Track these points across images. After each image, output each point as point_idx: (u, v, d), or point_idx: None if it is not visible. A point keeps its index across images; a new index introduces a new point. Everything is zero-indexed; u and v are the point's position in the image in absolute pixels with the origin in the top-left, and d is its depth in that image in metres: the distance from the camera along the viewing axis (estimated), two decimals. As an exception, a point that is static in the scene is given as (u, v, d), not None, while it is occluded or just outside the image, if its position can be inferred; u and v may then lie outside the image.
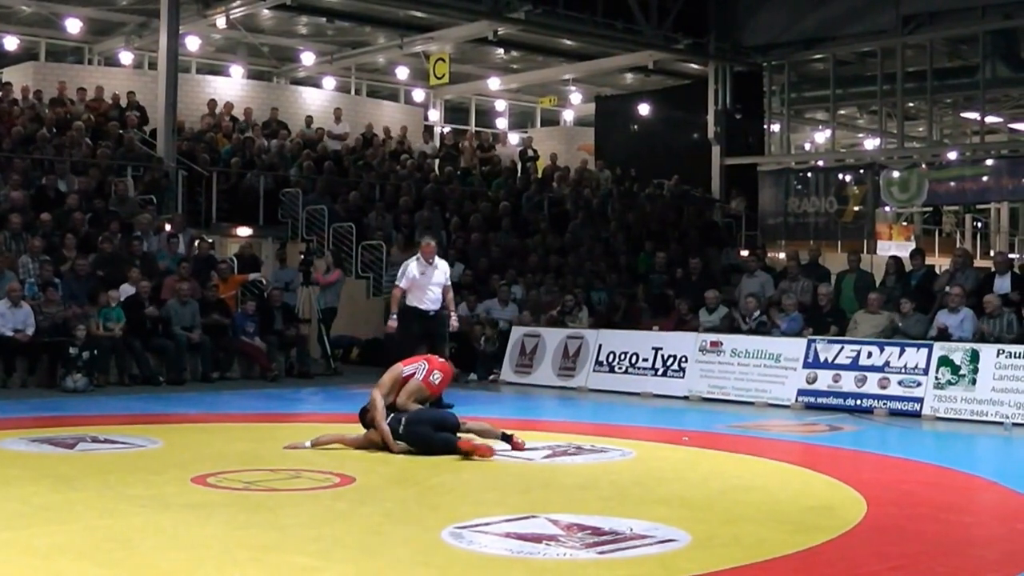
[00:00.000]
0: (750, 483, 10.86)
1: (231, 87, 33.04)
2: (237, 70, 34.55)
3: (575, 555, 7.62)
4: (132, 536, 8.08)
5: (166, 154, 25.12)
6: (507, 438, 12.09)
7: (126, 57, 32.51)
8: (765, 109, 34.03)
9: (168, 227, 22.92)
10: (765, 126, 34.35)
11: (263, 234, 26.35)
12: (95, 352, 18.74)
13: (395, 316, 16.73)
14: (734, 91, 33.74)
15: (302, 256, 23.76)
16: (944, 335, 17.55)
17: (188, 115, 29.06)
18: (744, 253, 28.86)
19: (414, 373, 12.74)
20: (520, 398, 19.93)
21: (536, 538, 7.99)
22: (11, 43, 31.57)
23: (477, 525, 8.39)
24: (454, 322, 17.24)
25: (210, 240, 24.04)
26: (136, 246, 21.60)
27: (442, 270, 17.02)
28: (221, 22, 29.45)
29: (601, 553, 7.67)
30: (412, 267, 16.77)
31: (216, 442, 12.58)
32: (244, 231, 26.16)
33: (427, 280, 16.73)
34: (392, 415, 12.23)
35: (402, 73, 36.10)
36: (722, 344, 19.30)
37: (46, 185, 23.00)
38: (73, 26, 30.58)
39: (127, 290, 20.27)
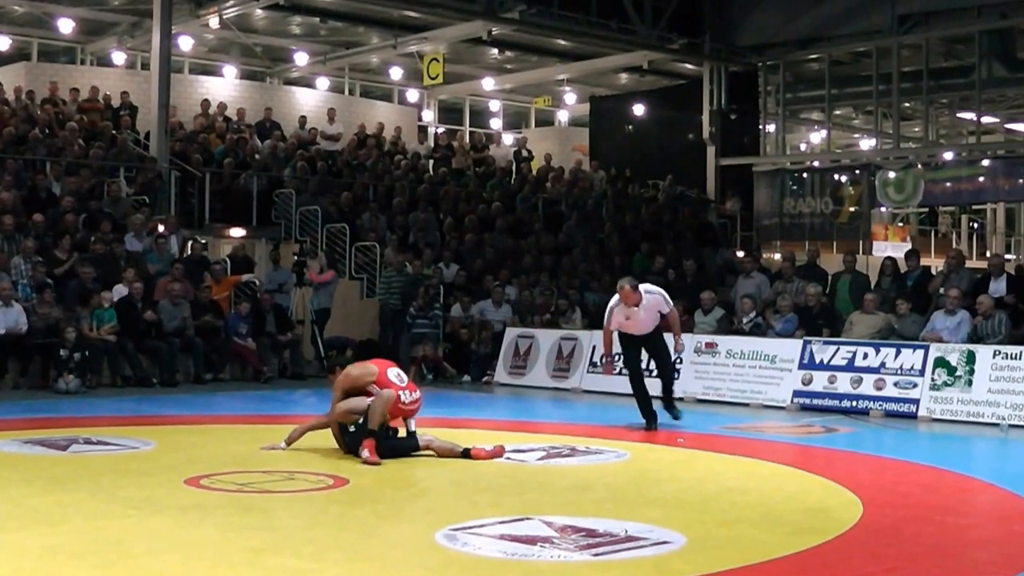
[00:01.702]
0: (745, 485, 10.82)
1: (224, 87, 33.01)
2: (230, 70, 34.48)
3: (569, 557, 7.58)
4: (125, 538, 8.03)
5: (159, 155, 25.05)
6: (467, 453, 11.87)
7: (119, 57, 32.45)
8: (760, 109, 34.02)
9: (161, 228, 22.84)
10: (760, 126, 34.36)
11: (256, 235, 26.27)
12: (86, 354, 18.68)
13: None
14: (729, 91, 33.73)
15: (295, 257, 23.69)
16: (936, 338, 17.53)
17: (181, 115, 28.96)
18: (740, 254, 28.83)
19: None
20: (514, 399, 19.92)
21: (531, 540, 7.96)
22: (3, 43, 31.43)
23: (471, 527, 8.36)
24: None
25: (203, 241, 23.98)
26: (120, 248, 21.49)
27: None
28: (214, 22, 29.40)
29: (596, 555, 7.64)
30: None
31: (209, 444, 12.54)
32: (237, 232, 26.08)
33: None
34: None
35: (396, 73, 36.06)
36: (717, 345, 19.27)
37: (38, 186, 22.92)
38: (65, 26, 30.52)
39: (120, 291, 20.21)
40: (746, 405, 18.29)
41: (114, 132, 26.44)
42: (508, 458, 11.90)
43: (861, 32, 31.28)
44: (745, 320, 20.20)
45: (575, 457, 12.31)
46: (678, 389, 18.72)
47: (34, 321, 19.04)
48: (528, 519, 8.66)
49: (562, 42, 32.84)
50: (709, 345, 19.33)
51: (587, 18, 30.10)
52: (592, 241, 28.66)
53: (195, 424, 12.84)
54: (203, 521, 8.63)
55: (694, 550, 7.91)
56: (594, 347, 20.49)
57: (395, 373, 12.13)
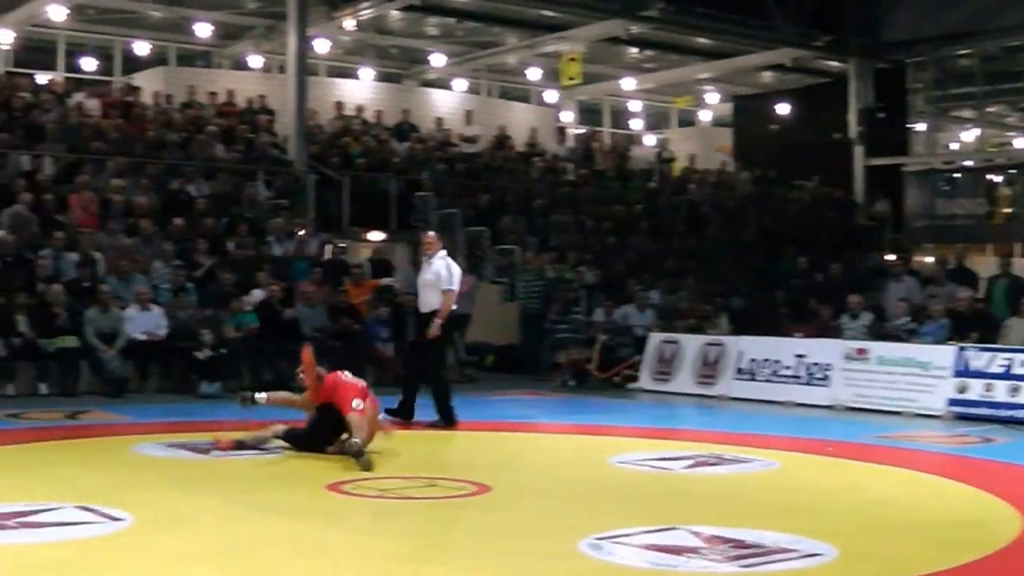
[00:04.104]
0: (897, 496, 10.54)
1: (360, 90, 33.05)
2: (366, 72, 34.55)
3: (717, 568, 7.42)
4: (262, 543, 8.08)
5: (297, 158, 25.19)
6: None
7: (255, 61, 32.65)
8: (909, 107, 33.32)
9: (300, 231, 22.90)
10: (909, 125, 33.65)
11: (395, 238, 26.25)
12: (223, 356, 18.75)
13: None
14: (876, 89, 33.10)
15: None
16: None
17: (318, 118, 29.07)
18: (889, 257, 28.24)
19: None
20: (659, 406, 19.64)
21: (677, 550, 7.78)
22: (142, 48, 31.85)
23: (616, 536, 8.18)
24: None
25: (342, 244, 23.99)
26: (268, 250, 21.63)
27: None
28: (349, 24, 29.49)
29: (744, 567, 7.46)
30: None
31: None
32: (376, 235, 26.08)
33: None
34: None
35: (533, 74, 35.88)
36: (868, 351, 18.75)
37: (177, 189, 23.12)
38: (202, 30, 30.79)
39: (258, 294, 20.28)
40: (898, 413, 17.77)
41: (251, 135, 26.62)
42: (653, 466, 11.75)
43: (1014, 26, 30.39)
44: (898, 324, 19.69)
45: (722, 466, 12.10)
46: (827, 396, 18.38)
47: (173, 325, 19.16)
48: (674, 529, 8.47)
49: (703, 40, 32.52)
50: (860, 351, 18.81)
51: (727, 15, 29.69)
52: (736, 244, 28.28)
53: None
54: (342, 527, 8.63)
55: (845, 562, 7.71)
56: (741, 353, 20.13)
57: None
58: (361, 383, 12.20)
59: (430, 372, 15.31)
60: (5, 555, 7.62)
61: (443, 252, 15.38)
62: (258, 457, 11.99)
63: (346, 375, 12.21)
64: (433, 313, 15.02)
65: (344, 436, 11.81)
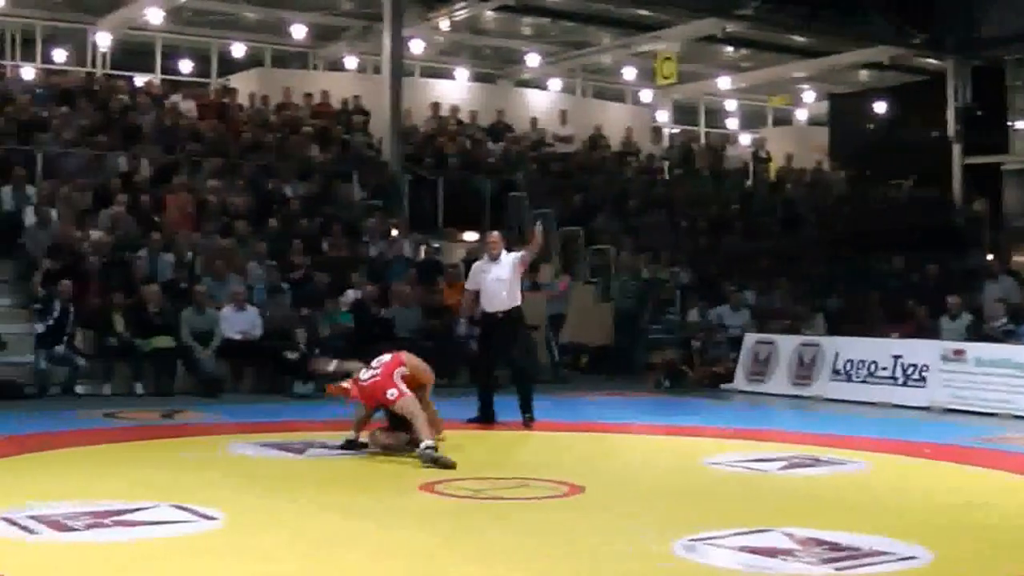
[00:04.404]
0: (995, 499, 10.39)
1: (455, 90, 33.13)
2: (461, 73, 34.65)
3: (812, 571, 7.35)
4: (357, 542, 8.11)
5: (392, 158, 25.29)
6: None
7: (350, 61, 32.82)
8: (1008, 105, 32.85)
9: (394, 232, 22.97)
10: (1008, 123, 33.17)
11: (494, 237, 26.23)
12: (318, 357, 18.80)
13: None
14: (974, 87, 32.64)
15: (528, 261, 23.57)
16: None
17: (413, 118, 29.16)
18: (987, 257, 27.85)
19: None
20: (753, 407, 19.49)
21: (771, 552, 7.71)
22: (238, 50, 32.19)
23: (710, 538, 8.12)
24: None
25: (436, 245, 24.05)
26: (363, 250, 21.72)
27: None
28: (444, 24, 29.61)
29: (839, 569, 7.37)
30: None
31: (442, 448, 12.42)
32: (470, 235, 26.10)
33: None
34: None
35: (629, 73, 35.77)
36: (966, 352, 18.48)
37: (272, 190, 23.29)
38: (298, 31, 31.00)
39: (352, 295, 20.37)
40: (995, 415, 17.51)
41: (346, 136, 26.75)
42: (747, 467, 11.69)
43: (1116, 21, 29.95)
44: (996, 325, 19.41)
45: (817, 467, 11.97)
46: (924, 397, 18.14)
47: (268, 325, 19.30)
48: (769, 531, 8.39)
49: (799, 38, 32.26)
50: (957, 352, 18.55)
51: (824, 13, 29.41)
52: (832, 244, 28.01)
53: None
54: (434, 527, 8.60)
55: (942, 566, 7.60)
56: (837, 354, 19.94)
57: (378, 359, 12.19)
58: (377, 366, 12.11)
59: (523, 369, 15.53)
60: (101, 553, 7.70)
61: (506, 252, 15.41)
62: (351, 457, 12.03)
63: (362, 374, 12.10)
64: (508, 313, 15.09)
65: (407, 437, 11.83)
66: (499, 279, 15.12)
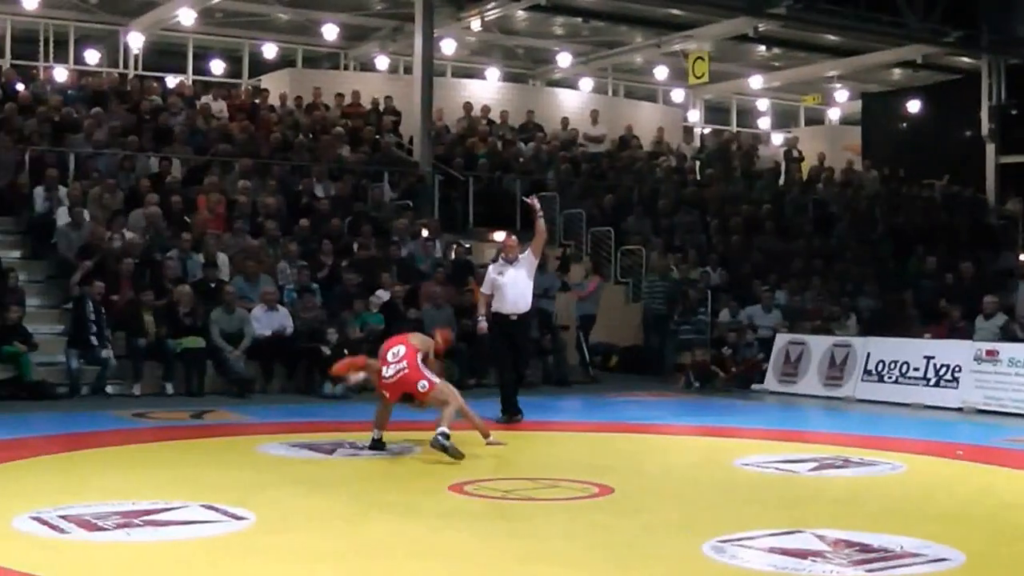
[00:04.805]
0: (1029, 501, 10.31)
1: (487, 90, 33.16)
2: (493, 73, 34.63)
3: (842, 572, 7.31)
4: (387, 543, 8.12)
5: (422, 158, 25.30)
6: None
7: (381, 62, 32.85)
8: (1043, 104, 32.67)
9: (424, 232, 22.97)
10: (1044, 122, 32.98)
11: (520, 239, 26.13)
12: (348, 356, 18.80)
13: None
14: (1008, 85, 32.43)
15: (558, 261, 23.57)
16: None
17: (444, 119, 29.18)
18: (1022, 257, 27.66)
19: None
20: (784, 407, 19.43)
21: (801, 554, 7.68)
22: (269, 51, 32.27)
23: (740, 539, 8.11)
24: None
25: (467, 245, 24.05)
26: (394, 251, 21.72)
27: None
28: (475, 25, 29.57)
29: (870, 571, 7.34)
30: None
31: (473, 450, 12.43)
32: (501, 235, 26.01)
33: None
34: None
35: (660, 73, 35.69)
36: (999, 353, 18.36)
37: (302, 191, 23.32)
38: (330, 32, 31.04)
39: (383, 295, 20.37)
40: (1028, 416, 17.46)
41: (377, 136, 26.77)
42: (778, 468, 11.64)
43: None
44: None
45: (848, 468, 11.93)
46: (956, 398, 18.04)
47: (298, 325, 19.32)
48: (799, 532, 8.37)
49: (831, 37, 32.14)
50: (990, 353, 18.43)
51: (856, 12, 29.26)
52: (864, 244, 27.89)
53: (456, 430, 12.83)
54: (465, 528, 8.64)
55: (974, 568, 7.57)
56: (868, 355, 19.85)
57: (392, 352, 12.15)
58: (396, 359, 12.11)
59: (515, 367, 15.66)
60: (131, 553, 7.73)
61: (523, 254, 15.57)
62: (380, 458, 12.04)
63: (385, 371, 12.11)
64: (522, 316, 15.33)
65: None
66: (516, 282, 15.28)
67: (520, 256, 15.40)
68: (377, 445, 12.16)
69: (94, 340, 17.87)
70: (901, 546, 7.95)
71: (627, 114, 34.15)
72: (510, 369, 15.63)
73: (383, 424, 12.26)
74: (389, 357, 12.09)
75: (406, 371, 11.94)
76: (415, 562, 7.57)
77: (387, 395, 12.13)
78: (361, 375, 12.69)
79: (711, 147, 33.17)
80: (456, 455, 11.35)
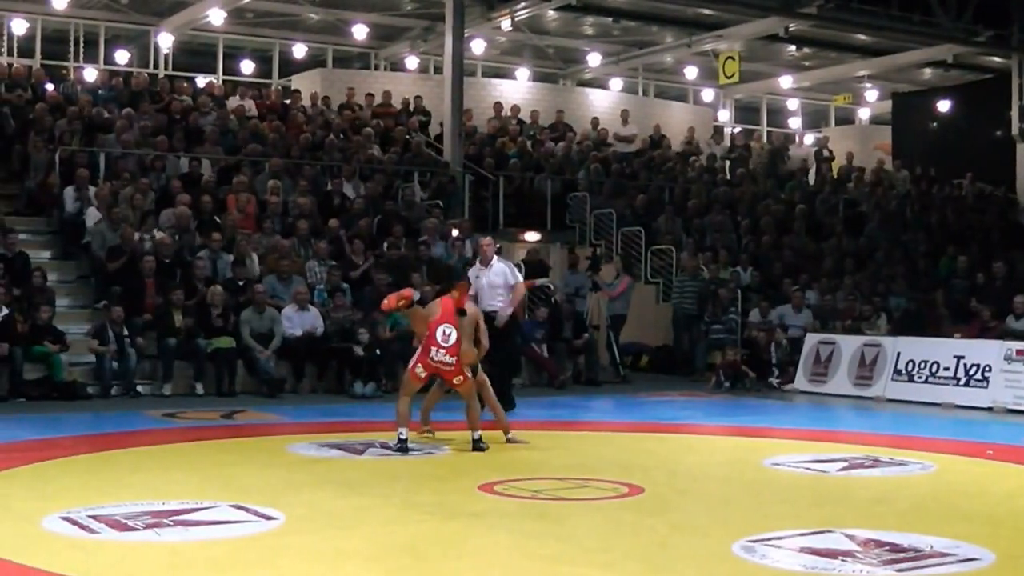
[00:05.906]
0: (1060, 500, 10.26)
1: (517, 90, 33.15)
2: (523, 72, 34.67)
3: (872, 572, 7.31)
4: (417, 543, 8.14)
5: (453, 158, 25.30)
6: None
7: (412, 62, 32.91)
8: (1074, 103, 32.47)
9: (455, 232, 22.99)
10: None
11: (551, 239, 26.25)
12: (378, 357, 18.84)
13: None
14: (1039, 85, 32.27)
15: (588, 261, 23.56)
16: None
17: (475, 119, 29.19)
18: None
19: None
20: (814, 407, 19.38)
21: (832, 554, 7.68)
22: (299, 51, 32.38)
23: (770, 539, 8.12)
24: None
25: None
26: (423, 251, 21.72)
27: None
28: (506, 24, 29.54)
29: (900, 571, 7.34)
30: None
31: (503, 450, 12.46)
32: (531, 235, 26.08)
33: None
34: None
35: (691, 73, 35.66)
36: (1029, 352, 18.31)
37: (333, 191, 23.35)
38: (360, 32, 31.09)
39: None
40: (1059, 416, 17.37)
41: (408, 136, 26.80)
42: (808, 468, 11.65)
43: None
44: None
45: (878, 468, 11.90)
46: (986, 398, 17.97)
47: (329, 325, 19.34)
48: (829, 532, 8.37)
49: (862, 37, 32.06)
50: (1020, 352, 18.36)
51: (887, 11, 29.13)
52: (895, 243, 27.79)
53: (487, 430, 12.87)
54: (496, 528, 8.65)
55: (1004, 568, 7.57)
56: (899, 354, 19.77)
57: (442, 332, 12.28)
58: (447, 346, 12.29)
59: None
60: (161, 552, 7.77)
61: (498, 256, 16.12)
62: (410, 457, 12.05)
63: (432, 353, 12.29)
64: (489, 316, 15.20)
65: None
66: (491, 285, 15.72)
67: (498, 264, 15.85)
68: (403, 447, 12.16)
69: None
70: (931, 546, 7.94)
71: (657, 114, 34.13)
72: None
73: (406, 420, 12.31)
74: (439, 336, 12.22)
75: (451, 368, 12.28)
76: (447, 563, 7.60)
77: (422, 376, 12.43)
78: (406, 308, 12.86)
79: (736, 147, 33.09)
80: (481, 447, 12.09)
